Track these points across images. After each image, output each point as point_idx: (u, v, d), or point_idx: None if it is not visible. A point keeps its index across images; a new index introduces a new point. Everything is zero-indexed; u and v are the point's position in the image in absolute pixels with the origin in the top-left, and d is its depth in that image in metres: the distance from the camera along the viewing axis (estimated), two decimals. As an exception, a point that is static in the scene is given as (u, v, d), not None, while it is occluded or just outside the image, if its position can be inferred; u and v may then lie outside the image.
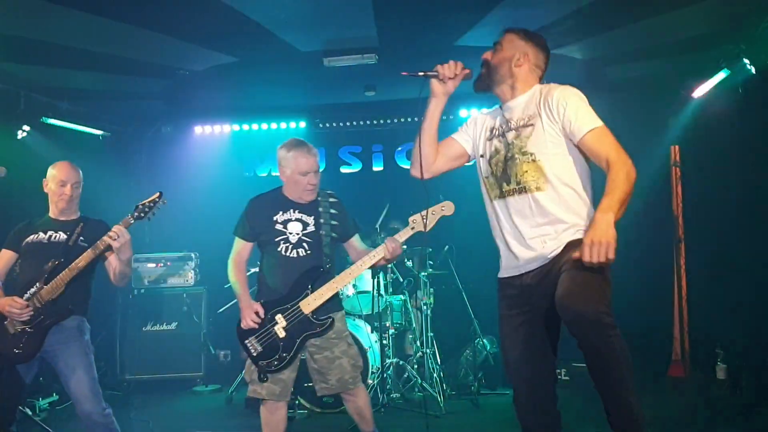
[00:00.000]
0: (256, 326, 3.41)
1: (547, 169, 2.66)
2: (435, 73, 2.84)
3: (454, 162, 3.02)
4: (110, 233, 3.46)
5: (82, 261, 3.51)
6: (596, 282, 2.42)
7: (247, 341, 3.44)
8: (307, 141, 7.92)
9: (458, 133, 3.05)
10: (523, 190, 2.69)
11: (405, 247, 6.02)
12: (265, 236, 3.54)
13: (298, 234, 3.51)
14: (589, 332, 2.34)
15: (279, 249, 3.50)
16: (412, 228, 3.42)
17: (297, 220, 3.56)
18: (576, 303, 2.37)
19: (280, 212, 3.57)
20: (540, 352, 2.72)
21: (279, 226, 3.53)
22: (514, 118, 2.79)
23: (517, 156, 2.71)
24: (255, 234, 3.60)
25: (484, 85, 2.87)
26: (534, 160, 2.67)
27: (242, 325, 3.45)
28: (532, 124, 2.71)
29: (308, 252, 3.51)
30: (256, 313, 3.43)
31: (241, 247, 3.65)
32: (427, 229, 3.34)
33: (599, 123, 2.62)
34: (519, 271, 2.73)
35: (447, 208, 3.41)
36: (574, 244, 2.54)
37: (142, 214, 3.51)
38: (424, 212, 3.35)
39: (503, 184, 2.75)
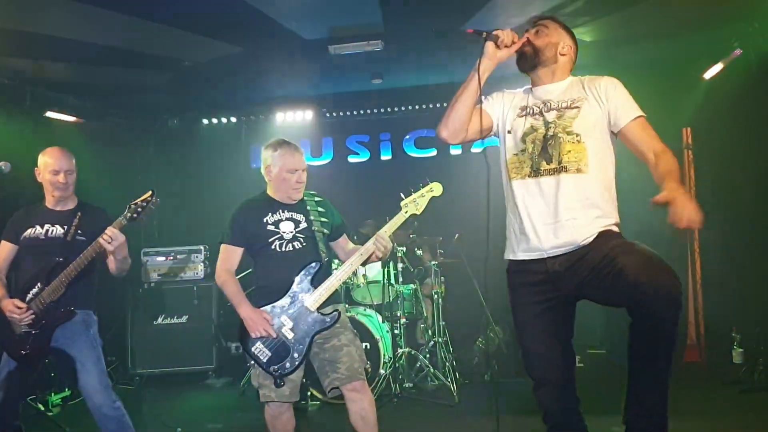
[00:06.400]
0: (272, 334, 3.32)
1: (590, 152, 2.65)
2: (495, 36, 2.76)
3: (481, 134, 2.92)
4: (104, 236, 3.38)
5: (80, 263, 3.46)
6: (664, 260, 2.41)
7: (254, 348, 3.34)
8: (315, 131, 7.99)
9: (487, 105, 2.95)
10: (563, 169, 2.65)
11: (414, 237, 6.02)
12: (258, 239, 3.46)
13: (291, 232, 3.47)
14: (665, 307, 2.31)
15: (273, 247, 3.43)
16: (405, 212, 3.41)
17: (288, 219, 3.51)
18: (659, 277, 2.32)
19: (270, 214, 3.50)
20: (561, 338, 2.70)
21: (271, 227, 3.47)
22: (554, 100, 2.77)
23: (561, 135, 2.68)
24: (246, 239, 3.50)
25: (528, 65, 2.84)
26: (579, 141, 2.65)
27: (254, 335, 3.33)
28: (578, 107, 2.70)
29: (304, 245, 3.45)
30: (266, 320, 3.34)
31: (231, 255, 3.52)
32: (420, 211, 3.39)
33: (643, 113, 2.66)
34: (542, 255, 2.67)
35: (435, 188, 3.41)
36: (606, 235, 2.57)
37: (135, 215, 3.41)
38: (413, 195, 3.40)
39: (542, 163, 2.69)
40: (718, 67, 6.10)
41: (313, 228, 3.51)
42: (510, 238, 2.83)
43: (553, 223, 2.64)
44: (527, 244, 2.71)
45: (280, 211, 3.53)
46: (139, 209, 3.42)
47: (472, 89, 2.78)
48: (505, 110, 2.91)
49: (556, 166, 2.66)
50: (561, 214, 2.62)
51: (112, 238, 3.37)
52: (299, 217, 3.53)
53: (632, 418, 2.44)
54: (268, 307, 3.38)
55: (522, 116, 2.82)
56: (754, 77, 5.65)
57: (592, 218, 2.60)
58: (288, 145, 3.61)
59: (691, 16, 5.39)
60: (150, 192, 3.47)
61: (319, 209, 3.59)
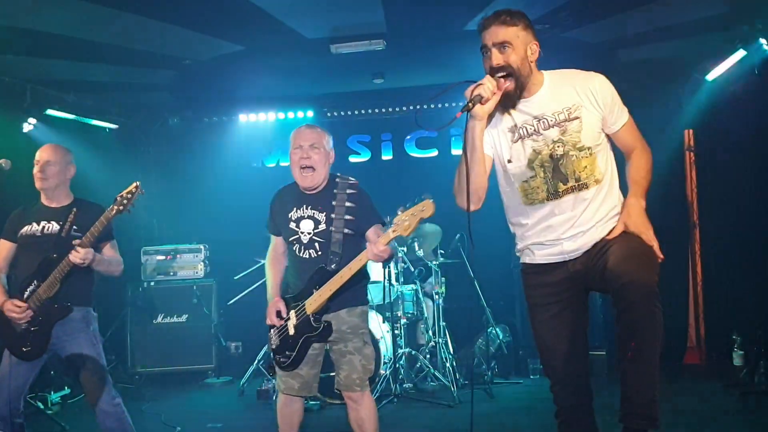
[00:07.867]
0: (277, 323, 3.40)
1: (600, 161, 2.66)
2: (479, 97, 2.57)
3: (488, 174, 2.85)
4: (73, 255, 3.40)
5: (71, 261, 3.44)
6: (649, 252, 2.46)
7: (270, 333, 3.46)
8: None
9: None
10: (584, 186, 2.62)
11: (407, 247, 6.00)
12: (284, 232, 3.48)
13: (309, 234, 3.39)
14: (639, 299, 2.33)
15: (294, 249, 3.42)
16: (394, 231, 3.05)
17: (309, 217, 3.42)
18: (631, 270, 2.37)
19: (294, 209, 3.45)
20: (579, 332, 2.75)
21: (293, 225, 3.43)
22: (548, 113, 2.63)
23: (572, 153, 2.61)
24: (278, 229, 3.53)
25: (515, 98, 2.64)
26: (591, 155, 2.62)
27: (267, 322, 3.46)
28: (577, 117, 2.60)
29: (319, 253, 3.37)
30: (278, 312, 3.40)
31: (274, 242, 3.60)
32: (408, 233, 3.06)
33: (628, 112, 2.72)
34: (564, 258, 2.68)
35: (426, 208, 2.97)
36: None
37: (121, 207, 3.39)
38: (403, 215, 3.06)
39: (558, 185, 2.64)
40: (721, 68, 6.08)
41: (331, 229, 3.36)
42: (525, 245, 2.79)
43: (575, 234, 2.65)
44: (549, 250, 2.71)
45: (305, 206, 3.43)
46: (125, 201, 3.40)
47: (480, 158, 2.68)
48: (497, 140, 2.75)
49: (575, 184, 2.62)
50: (584, 224, 2.64)
51: (80, 257, 3.39)
52: (321, 216, 3.39)
53: (624, 415, 2.44)
54: (287, 299, 3.45)
55: (517, 141, 2.69)
56: (757, 78, 5.63)
57: (610, 217, 2.65)
58: (303, 125, 3.56)
59: (693, 17, 5.38)
60: (135, 183, 3.44)
61: (348, 204, 3.38)
